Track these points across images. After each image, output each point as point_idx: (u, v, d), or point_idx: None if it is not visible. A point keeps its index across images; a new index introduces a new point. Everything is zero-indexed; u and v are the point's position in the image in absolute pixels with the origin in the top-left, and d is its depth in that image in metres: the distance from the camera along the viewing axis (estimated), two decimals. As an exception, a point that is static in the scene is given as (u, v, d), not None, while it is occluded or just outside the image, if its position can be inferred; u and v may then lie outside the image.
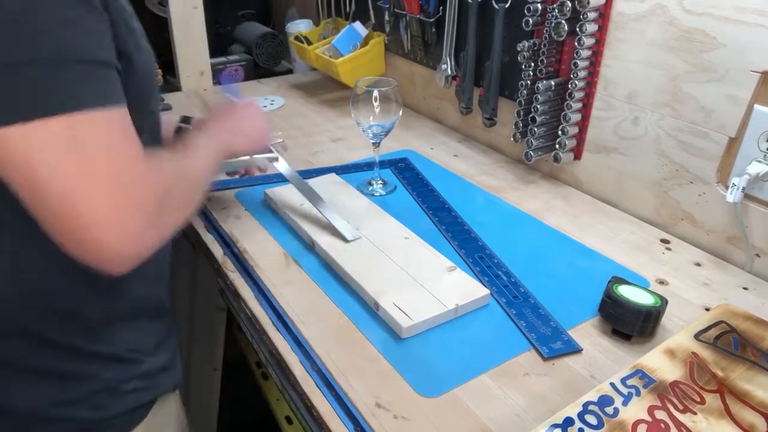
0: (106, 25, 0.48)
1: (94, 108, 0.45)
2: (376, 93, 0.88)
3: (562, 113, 0.94)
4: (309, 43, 1.44)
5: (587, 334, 0.67)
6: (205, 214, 0.90)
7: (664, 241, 0.85)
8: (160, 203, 0.51)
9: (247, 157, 0.83)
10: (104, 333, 0.59)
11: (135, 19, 0.56)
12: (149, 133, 0.62)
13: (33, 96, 0.43)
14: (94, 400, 0.59)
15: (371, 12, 1.36)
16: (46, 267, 0.54)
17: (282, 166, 0.86)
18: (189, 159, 0.64)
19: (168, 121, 0.86)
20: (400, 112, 0.90)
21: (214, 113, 0.79)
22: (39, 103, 0.43)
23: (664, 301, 0.65)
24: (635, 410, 0.50)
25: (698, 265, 0.80)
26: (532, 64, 0.93)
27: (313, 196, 0.84)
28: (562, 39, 0.89)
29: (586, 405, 0.51)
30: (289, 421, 0.90)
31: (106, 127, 0.46)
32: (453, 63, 1.15)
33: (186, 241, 0.98)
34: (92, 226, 0.45)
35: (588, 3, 0.84)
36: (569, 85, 0.91)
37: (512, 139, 1.01)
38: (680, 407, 0.50)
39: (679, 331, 0.60)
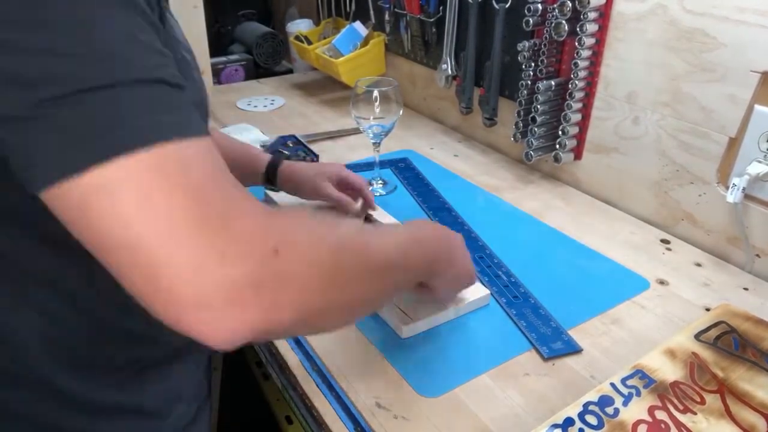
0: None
1: (182, 137, 0.35)
2: (376, 93, 0.87)
3: (563, 113, 0.94)
4: (309, 42, 1.44)
5: (587, 334, 0.67)
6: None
7: (665, 241, 0.85)
8: (281, 255, 0.36)
9: None
10: (130, 383, 0.52)
11: (188, 51, 0.51)
12: None
13: (108, 128, 0.33)
14: None
15: (371, 12, 1.36)
16: (78, 318, 0.47)
17: None
18: (369, 234, 0.47)
19: (244, 153, 0.83)
20: (401, 112, 0.90)
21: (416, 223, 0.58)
22: (115, 137, 0.33)
23: None
24: (635, 410, 0.50)
25: (698, 265, 0.80)
26: (533, 64, 0.93)
27: None
28: (562, 39, 0.89)
29: (586, 405, 0.51)
30: (289, 421, 0.89)
31: (198, 158, 0.36)
32: (453, 63, 1.15)
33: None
34: (171, 279, 0.33)
35: (588, 3, 0.84)
36: (569, 85, 0.91)
37: (512, 139, 1.01)
38: (680, 407, 0.50)
39: (680, 332, 0.60)
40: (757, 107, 0.72)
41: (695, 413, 0.50)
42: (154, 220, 0.33)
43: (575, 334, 0.66)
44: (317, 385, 0.60)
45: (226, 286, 0.33)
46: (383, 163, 1.07)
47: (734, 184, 0.74)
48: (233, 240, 0.34)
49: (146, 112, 0.34)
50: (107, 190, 0.33)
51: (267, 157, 0.84)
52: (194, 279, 0.33)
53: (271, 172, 0.81)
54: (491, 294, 0.72)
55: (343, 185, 0.82)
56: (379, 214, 0.86)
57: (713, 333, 0.59)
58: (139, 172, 0.33)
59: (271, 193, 0.91)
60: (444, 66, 1.16)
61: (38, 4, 0.33)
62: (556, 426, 0.49)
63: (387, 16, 1.28)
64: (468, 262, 0.62)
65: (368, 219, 0.82)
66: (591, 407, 0.50)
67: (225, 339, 0.34)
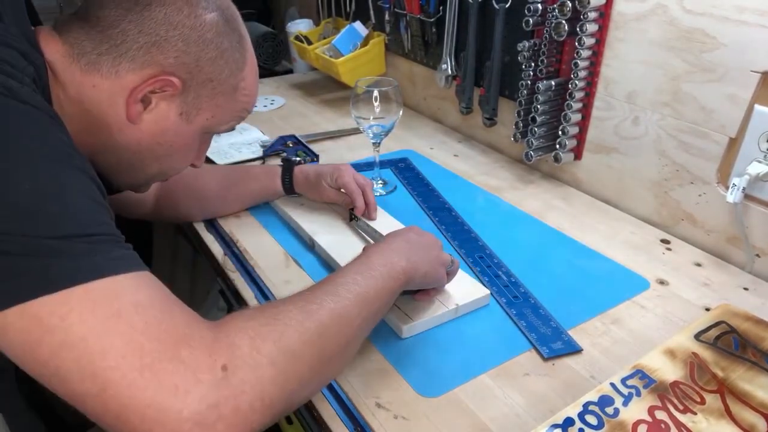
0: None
1: (121, 273, 0.41)
2: (376, 93, 0.88)
3: (563, 113, 0.94)
4: (309, 42, 1.44)
5: (587, 334, 0.67)
6: (205, 214, 0.90)
7: (664, 241, 0.85)
8: (234, 363, 0.41)
9: None
10: None
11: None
12: None
13: (60, 265, 0.39)
14: None
15: (371, 12, 1.36)
16: None
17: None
18: (329, 298, 0.51)
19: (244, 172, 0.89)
20: (401, 112, 0.90)
21: (387, 236, 0.64)
22: (63, 275, 0.39)
23: None
24: (635, 410, 0.50)
25: (698, 265, 0.80)
26: (533, 64, 0.93)
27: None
28: (562, 39, 0.89)
29: (586, 405, 0.51)
30: (289, 421, 0.89)
31: (138, 289, 0.41)
32: (453, 63, 1.15)
33: (186, 242, 0.98)
34: (140, 423, 0.38)
35: (588, 3, 0.84)
36: (569, 85, 0.91)
37: (512, 139, 1.01)
38: (680, 407, 0.50)
39: (680, 332, 0.60)
40: (757, 107, 0.72)
41: (695, 413, 0.50)
42: (114, 359, 0.38)
43: (575, 334, 0.66)
44: (317, 385, 0.60)
45: (189, 416, 0.38)
46: (383, 163, 1.07)
47: (734, 184, 0.74)
48: (184, 371, 0.39)
49: (94, 254, 0.40)
50: (57, 320, 0.38)
51: (276, 170, 0.88)
52: (160, 417, 0.37)
53: (287, 182, 0.87)
54: (491, 294, 0.72)
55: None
56: (379, 214, 0.86)
57: (713, 333, 0.59)
58: (89, 301, 0.38)
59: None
60: (444, 66, 1.16)
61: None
62: (556, 426, 0.49)
63: (387, 16, 1.28)
64: (435, 261, 0.64)
65: (353, 218, 0.82)
66: (591, 407, 0.50)
67: None
